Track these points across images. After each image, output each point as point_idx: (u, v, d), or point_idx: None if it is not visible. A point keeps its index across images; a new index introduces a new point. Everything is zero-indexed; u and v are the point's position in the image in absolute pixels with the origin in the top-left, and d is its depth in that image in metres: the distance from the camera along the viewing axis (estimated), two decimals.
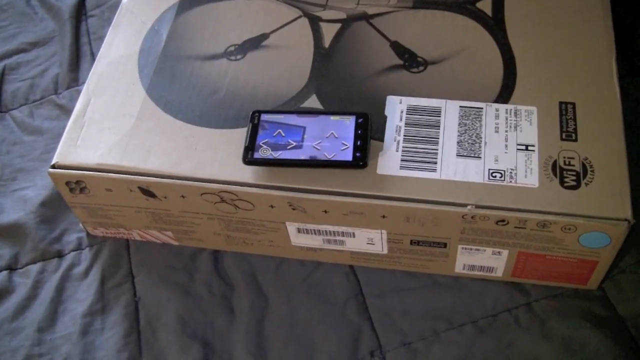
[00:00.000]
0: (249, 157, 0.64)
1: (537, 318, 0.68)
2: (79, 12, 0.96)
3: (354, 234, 0.67)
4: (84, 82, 0.88)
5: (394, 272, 0.71)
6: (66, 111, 0.86)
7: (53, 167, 0.67)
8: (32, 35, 0.95)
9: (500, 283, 0.70)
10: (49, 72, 0.91)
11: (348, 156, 0.63)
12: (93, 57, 0.91)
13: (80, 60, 0.92)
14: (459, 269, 0.69)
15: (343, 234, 0.67)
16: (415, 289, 0.70)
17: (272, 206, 0.65)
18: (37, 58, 0.92)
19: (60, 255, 0.76)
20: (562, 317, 0.68)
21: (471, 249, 0.66)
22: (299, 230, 0.68)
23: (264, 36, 0.74)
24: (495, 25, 0.73)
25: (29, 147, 0.84)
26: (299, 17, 0.76)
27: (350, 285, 0.71)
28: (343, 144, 0.64)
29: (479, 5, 0.75)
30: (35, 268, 0.75)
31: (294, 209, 0.65)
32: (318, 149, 0.64)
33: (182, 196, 0.66)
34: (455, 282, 0.70)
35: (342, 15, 0.75)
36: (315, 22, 0.75)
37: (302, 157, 0.63)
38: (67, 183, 0.68)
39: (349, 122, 0.65)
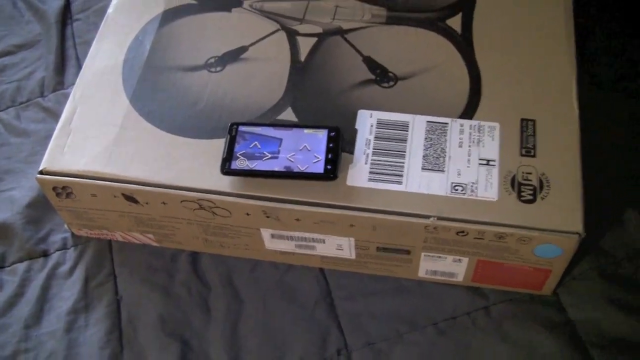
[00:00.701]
0: (226, 167, 0.67)
1: (494, 321, 0.72)
2: (65, 16, 0.97)
3: (324, 240, 0.71)
4: (69, 86, 0.91)
5: (361, 275, 0.75)
6: (52, 114, 0.88)
7: (41, 172, 0.70)
8: (19, 38, 0.96)
9: (461, 287, 0.74)
10: (35, 74, 0.92)
11: (319, 168, 0.67)
12: (78, 60, 0.93)
13: (66, 64, 0.93)
14: (422, 273, 0.73)
15: (314, 240, 0.71)
16: (381, 292, 0.74)
17: (247, 214, 0.69)
18: (23, 60, 0.94)
19: (45, 254, 0.79)
20: (518, 320, 0.72)
21: (433, 256, 0.70)
22: (272, 236, 0.72)
23: (243, 49, 0.77)
24: (464, 42, 0.76)
25: (15, 149, 0.86)
26: (277, 30, 0.78)
27: (320, 288, 0.75)
28: (315, 156, 0.67)
29: (449, 22, 0.78)
30: (21, 267, 0.78)
31: (268, 217, 0.69)
32: (292, 161, 0.67)
33: (163, 203, 0.70)
34: (419, 285, 0.74)
35: (318, 30, 0.78)
36: (292, 36, 0.78)
37: (277, 169, 0.67)
38: (54, 188, 0.71)
39: (322, 135, 0.69)
